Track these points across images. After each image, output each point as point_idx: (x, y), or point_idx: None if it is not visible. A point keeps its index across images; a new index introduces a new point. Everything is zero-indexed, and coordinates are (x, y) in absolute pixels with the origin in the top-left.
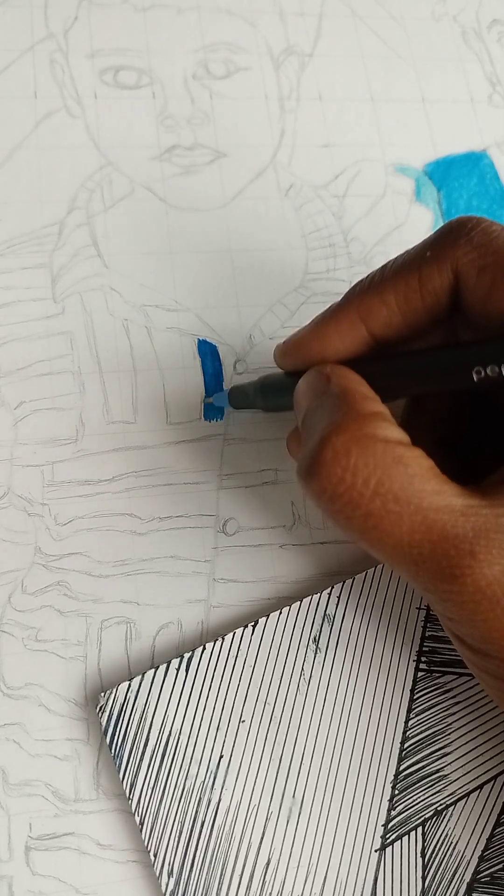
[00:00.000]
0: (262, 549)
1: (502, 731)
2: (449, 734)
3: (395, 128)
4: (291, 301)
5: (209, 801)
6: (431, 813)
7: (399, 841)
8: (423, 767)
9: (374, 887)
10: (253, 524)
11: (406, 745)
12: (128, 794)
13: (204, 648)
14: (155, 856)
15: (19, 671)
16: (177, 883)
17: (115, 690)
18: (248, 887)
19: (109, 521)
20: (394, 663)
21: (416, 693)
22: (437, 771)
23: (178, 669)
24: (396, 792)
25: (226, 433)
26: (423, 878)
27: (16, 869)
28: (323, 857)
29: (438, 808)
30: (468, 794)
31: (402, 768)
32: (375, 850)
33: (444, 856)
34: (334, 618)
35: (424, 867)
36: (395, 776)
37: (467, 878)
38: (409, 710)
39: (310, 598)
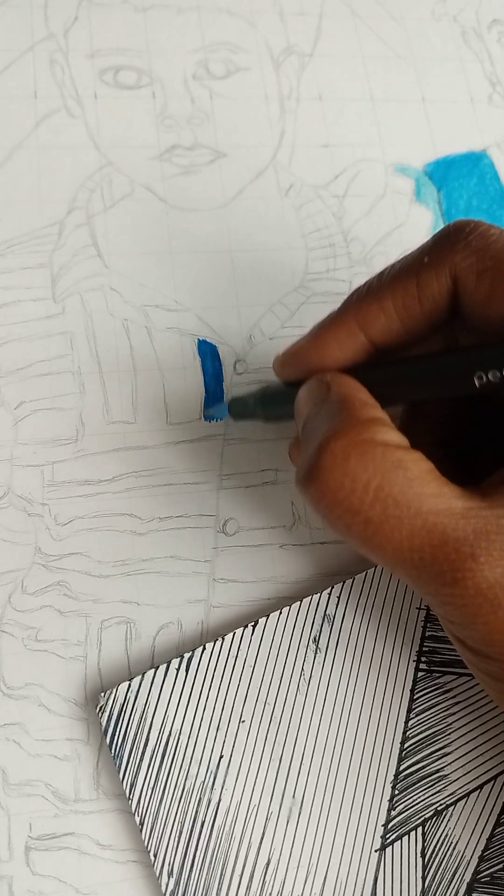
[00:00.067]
0: (262, 549)
1: (502, 731)
2: (449, 734)
3: (394, 128)
4: (291, 301)
5: (209, 801)
6: (431, 813)
7: (399, 841)
8: (423, 767)
9: (374, 887)
10: (253, 524)
11: (406, 745)
12: (128, 794)
13: (204, 648)
14: (155, 856)
15: (19, 671)
16: (177, 883)
17: (115, 690)
18: (248, 887)
19: (109, 521)
20: (394, 663)
21: (416, 693)
22: (437, 771)
23: (178, 669)
24: (396, 792)
25: (226, 433)
26: (423, 878)
27: (16, 869)
28: (323, 857)
29: (438, 808)
30: (468, 794)
31: (402, 768)
32: (375, 850)
33: (444, 856)
34: (334, 618)
35: (424, 867)
36: (395, 776)
37: (467, 878)
38: (409, 710)
39: (310, 598)
